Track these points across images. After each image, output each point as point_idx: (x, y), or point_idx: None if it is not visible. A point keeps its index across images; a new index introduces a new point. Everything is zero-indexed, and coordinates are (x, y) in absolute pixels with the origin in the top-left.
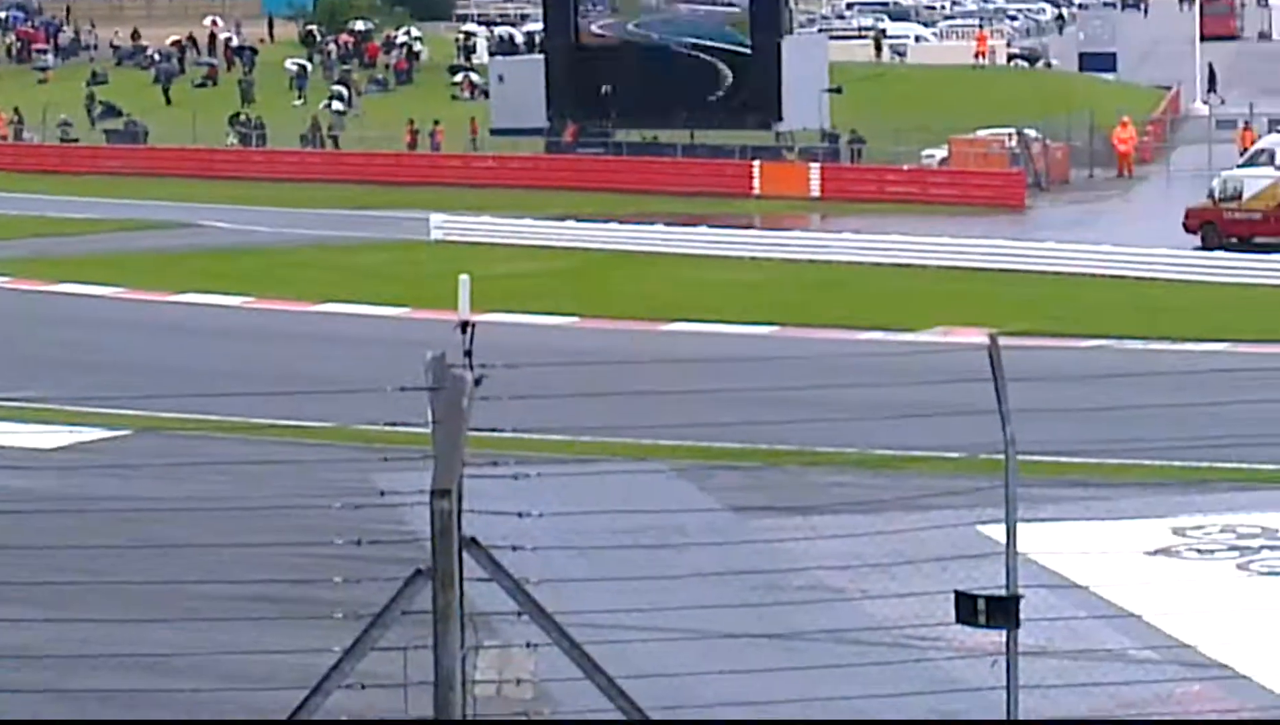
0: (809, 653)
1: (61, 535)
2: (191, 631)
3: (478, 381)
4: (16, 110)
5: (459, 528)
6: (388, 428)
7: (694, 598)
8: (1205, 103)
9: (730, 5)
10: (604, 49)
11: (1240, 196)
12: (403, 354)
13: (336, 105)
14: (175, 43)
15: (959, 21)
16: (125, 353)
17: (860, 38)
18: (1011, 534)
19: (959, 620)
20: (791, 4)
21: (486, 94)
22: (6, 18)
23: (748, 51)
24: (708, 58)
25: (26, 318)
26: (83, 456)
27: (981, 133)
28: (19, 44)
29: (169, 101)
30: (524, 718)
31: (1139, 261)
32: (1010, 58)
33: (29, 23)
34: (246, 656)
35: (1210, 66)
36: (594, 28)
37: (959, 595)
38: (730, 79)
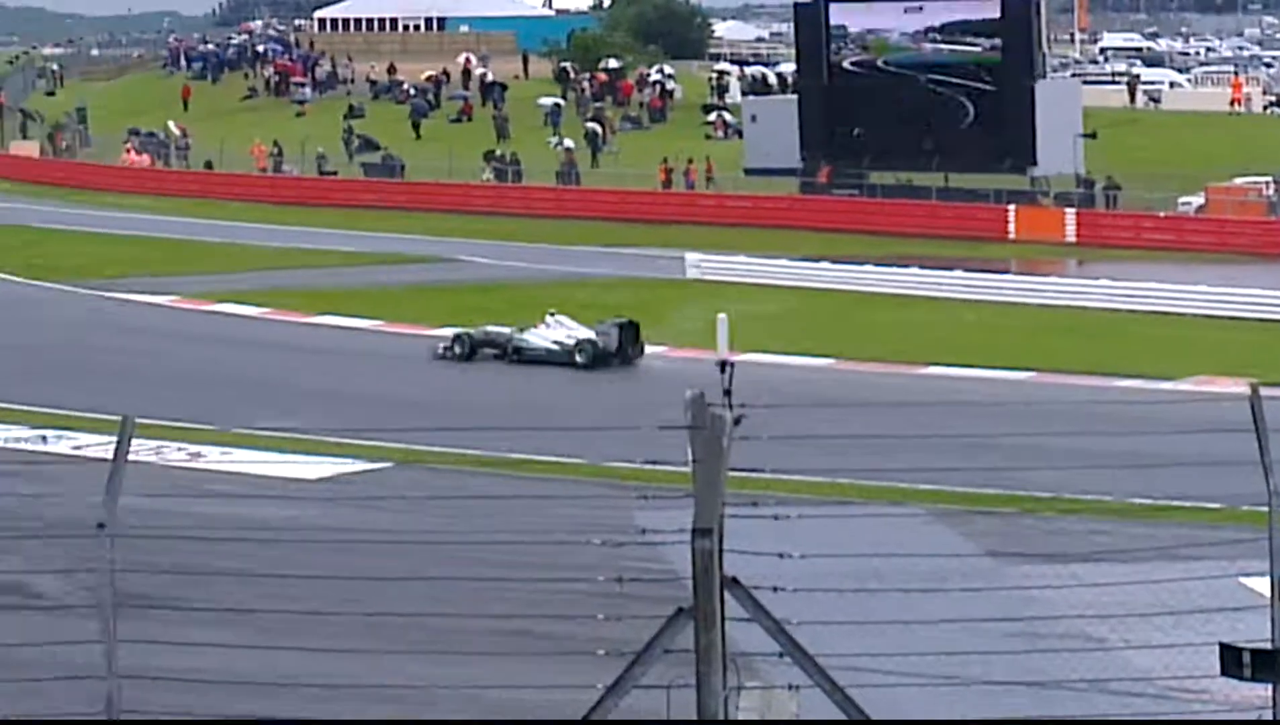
0: (1069, 702)
1: (323, 566)
2: (453, 665)
3: (737, 421)
4: (276, 143)
5: (720, 567)
6: (646, 466)
7: (951, 643)
8: None
9: (982, 47)
10: (856, 90)
11: None
12: (659, 392)
13: (568, 141)
14: (430, 78)
15: (1214, 68)
16: (384, 386)
17: (1114, 83)
18: (1276, 586)
19: (1223, 673)
20: (1045, 48)
21: (740, 133)
22: (266, 51)
23: (1000, 94)
24: (960, 99)
25: (286, 349)
26: (344, 488)
27: (1238, 180)
28: (278, 77)
29: (418, 136)
30: None
31: None
32: (1267, 105)
33: (288, 56)
34: (509, 691)
35: None
36: (846, 64)
37: (1223, 647)
38: (983, 122)
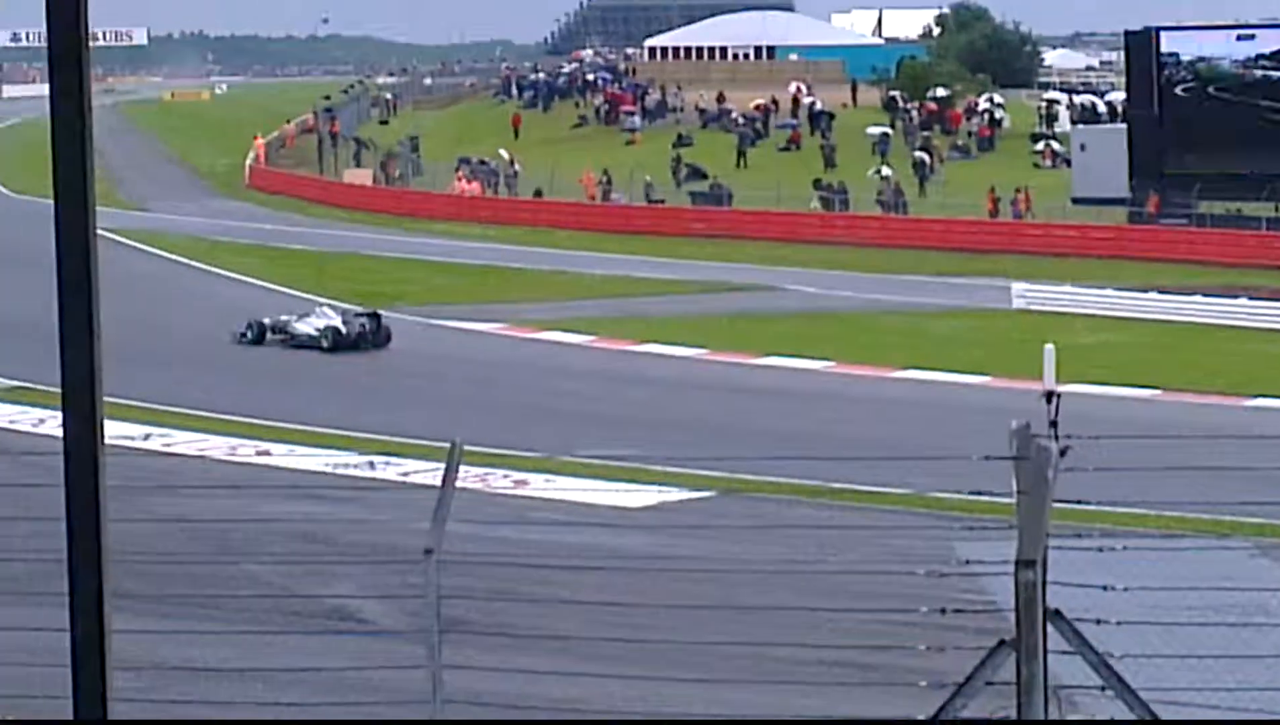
0: None
1: (647, 594)
2: (773, 694)
3: (1063, 452)
4: (605, 171)
5: (1043, 599)
6: (968, 496)
7: (1277, 679)
8: None
9: None
10: (1187, 118)
11: None
12: (982, 422)
13: (885, 171)
14: (759, 106)
15: None
16: (708, 414)
17: None
18: None
19: None
20: None
21: (1068, 162)
22: (596, 80)
23: None
24: None
25: (611, 377)
26: (668, 516)
27: None
28: (608, 106)
29: (742, 165)
30: None
31: None
32: None
33: (617, 85)
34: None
35: None
36: (1177, 92)
37: None
38: None
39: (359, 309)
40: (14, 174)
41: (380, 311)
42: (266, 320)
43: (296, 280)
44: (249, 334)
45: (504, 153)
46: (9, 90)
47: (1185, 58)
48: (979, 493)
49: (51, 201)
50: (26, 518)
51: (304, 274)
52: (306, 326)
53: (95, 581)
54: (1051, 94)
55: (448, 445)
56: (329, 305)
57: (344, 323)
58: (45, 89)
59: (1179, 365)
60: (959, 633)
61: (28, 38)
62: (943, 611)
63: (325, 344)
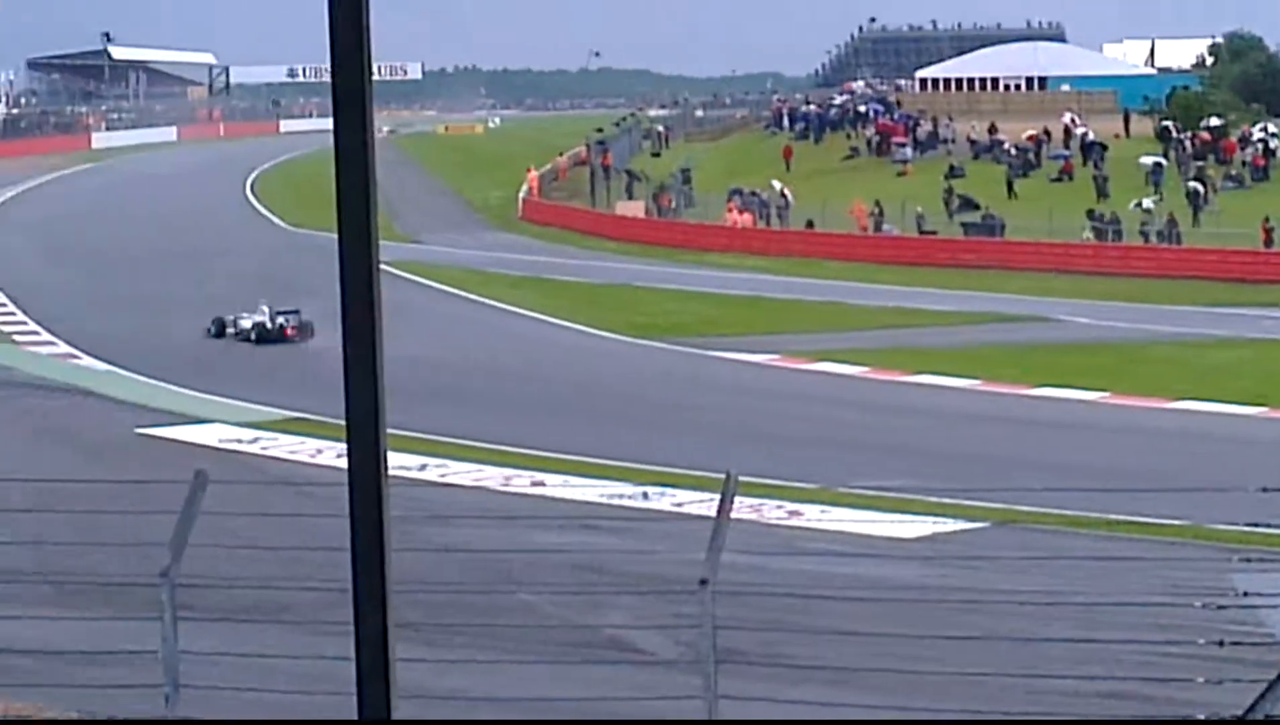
0: None
1: (922, 624)
2: None
3: None
4: (877, 202)
5: None
6: (1246, 528)
7: None
8: None
9: None
10: None
11: None
12: (1260, 454)
13: (1146, 203)
14: (1031, 137)
15: None
16: (982, 445)
17: None
18: None
19: None
20: None
21: None
22: (868, 111)
23: None
24: None
25: (884, 408)
26: (941, 547)
27: None
28: (879, 137)
29: (1011, 195)
30: None
31: None
32: None
33: (889, 116)
34: None
35: None
36: None
37: None
38: None
39: (287, 308)
40: (290, 208)
41: (300, 310)
42: (226, 317)
43: (569, 312)
44: (212, 329)
45: (776, 184)
46: (286, 125)
47: None
48: (1257, 524)
49: (325, 235)
50: (309, 548)
51: (577, 306)
52: (246, 321)
53: (380, 613)
54: None
55: (722, 476)
56: (265, 305)
57: (269, 319)
58: (321, 123)
59: None
60: (1237, 665)
61: (304, 73)
62: (1220, 644)
63: (253, 337)
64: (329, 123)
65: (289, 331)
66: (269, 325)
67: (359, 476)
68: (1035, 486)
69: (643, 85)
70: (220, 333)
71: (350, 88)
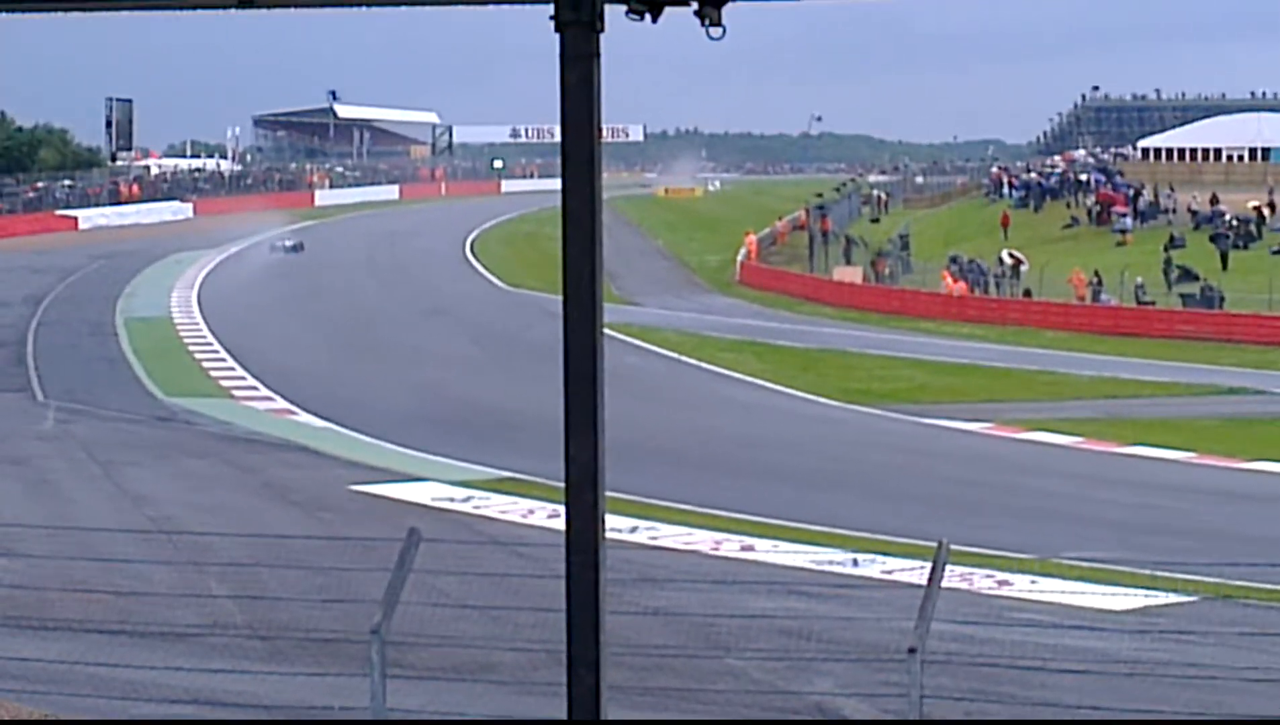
0: None
1: (1130, 698)
2: None
3: None
4: (1096, 272)
5: None
6: None
7: None
8: None
9: None
10: None
11: None
12: None
13: None
14: (1255, 208)
15: None
16: (1194, 518)
17: None
18: None
19: None
20: None
21: None
22: (1088, 180)
23: None
24: None
25: (1098, 479)
26: (1153, 620)
27: None
28: (1099, 206)
29: (1225, 267)
30: None
31: None
32: None
33: (1110, 185)
34: None
35: None
36: None
37: None
38: None
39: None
40: (510, 268)
41: None
42: None
43: (784, 376)
44: None
45: (1009, 255)
46: (507, 185)
47: None
48: None
49: (542, 295)
50: (518, 607)
51: (792, 370)
52: None
53: (593, 674)
54: None
55: (932, 544)
56: None
57: None
58: (542, 184)
59: None
60: None
61: (526, 133)
62: None
63: None
64: (550, 184)
65: None
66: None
67: (577, 538)
68: (1249, 560)
69: (863, 150)
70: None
71: (579, 153)
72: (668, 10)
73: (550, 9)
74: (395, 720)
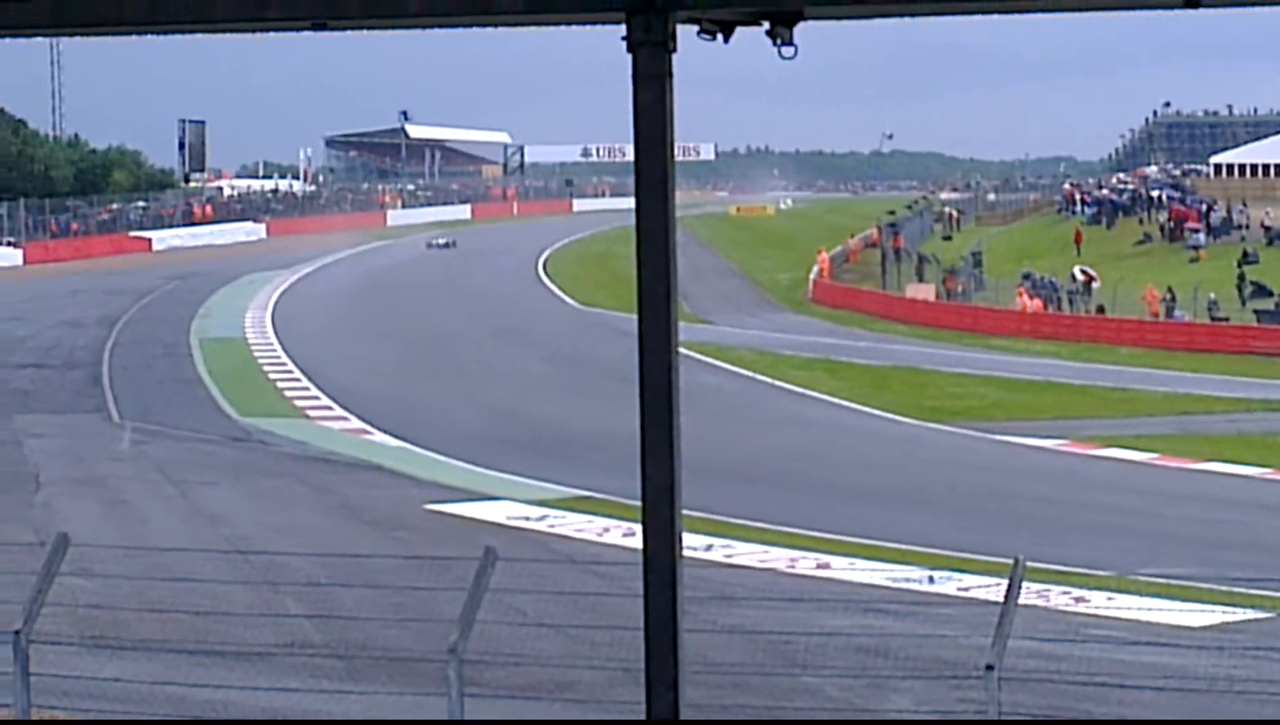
0: None
1: (1208, 714)
2: None
3: None
4: (1169, 288)
5: None
6: None
7: None
8: None
9: None
10: None
11: None
12: None
13: None
14: None
15: None
16: (1269, 534)
17: None
18: None
19: None
20: None
21: None
22: (1160, 196)
23: None
24: None
25: (1173, 495)
26: (1231, 637)
27: None
28: (1172, 223)
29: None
30: None
31: None
32: None
33: (1182, 201)
34: None
35: None
36: None
37: None
38: None
39: None
40: (582, 287)
41: None
42: None
43: (858, 394)
44: None
45: (1081, 272)
46: (578, 204)
47: None
48: None
49: (614, 314)
50: (594, 626)
51: (865, 388)
52: None
53: (672, 693)
54: None
55: (1008, 561)
56: None
57: None
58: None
59: None
60: None
61: (597, 152)
62: None
63: None
64: (621, 202)
65: None
66: None
67: (654, 555)
68: None
69: (934, 168)
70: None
71: (653, 172)
72: (739, 30)
73: (623, 29)
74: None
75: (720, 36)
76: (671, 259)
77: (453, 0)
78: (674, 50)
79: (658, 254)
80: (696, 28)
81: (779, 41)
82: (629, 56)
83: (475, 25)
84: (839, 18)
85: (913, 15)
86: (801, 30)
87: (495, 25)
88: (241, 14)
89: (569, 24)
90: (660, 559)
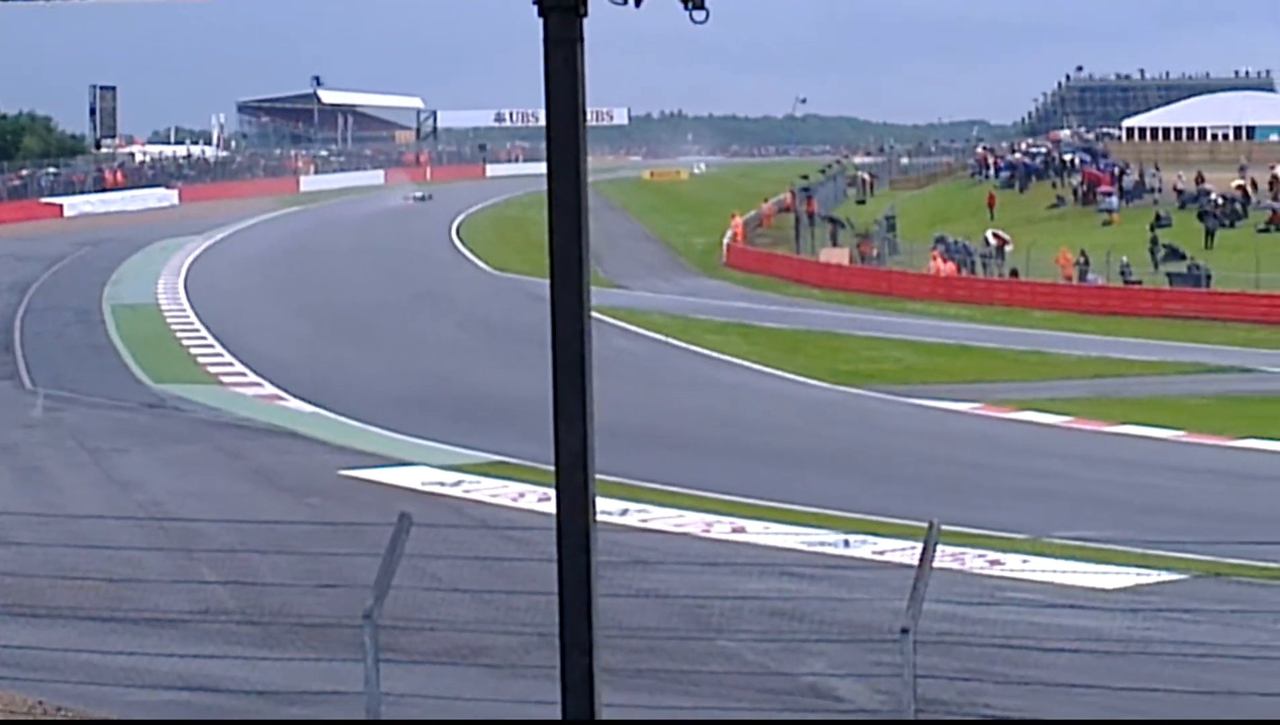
0: None
1: (1123, 677)
2: None
3: None
4: (1082, 252)
5: None
6: None
7: None
8: None
9: None
10: None
11: None
12: None
13: None
14: (1239, 187)
15: None
16: (1184, 496)
17: None
18: None
19: None
20: None
21: None
22: (1073, 160)
23: None
24: None
25: (1088, 458)
26: (1144, 598)
27: None
28: (1085, 186)
29: (1209, 245)
30: None
31: None
32: None
33: (1095, 165)
34: None
35: None
36: None
37: None
38: None
39: None
40: (496, 251)
41: None
42: None
43: (772, 358)
44: None
45: (994, 235)
46: (492, 169)
47: None
48: None
49: (528, 279)
50: (510, 591)
51: (780, 352)
52: None
53: (586, 657)
54: None
55: (923, 524)
56: None
57: None
58: (528, 167)
59: None
60: None
61: (511, 117)
62: None
63: None
64: (535, 167)
65: None
66: None
67: (567, 520)
68: (1239, 538)
69: (848, 132)
70: None
71: (564, 138)
72: None
73: None
74: (395, 721)
75: (632, 1)
76: (584, 225)
77: None
78: (585, 14)
79: (570, 220)
80: None
81: (690, 5)
82: (540, 21)
83: None
84: None
85: None
86: None
87: None
88: None
89: None
90: (574, 524)
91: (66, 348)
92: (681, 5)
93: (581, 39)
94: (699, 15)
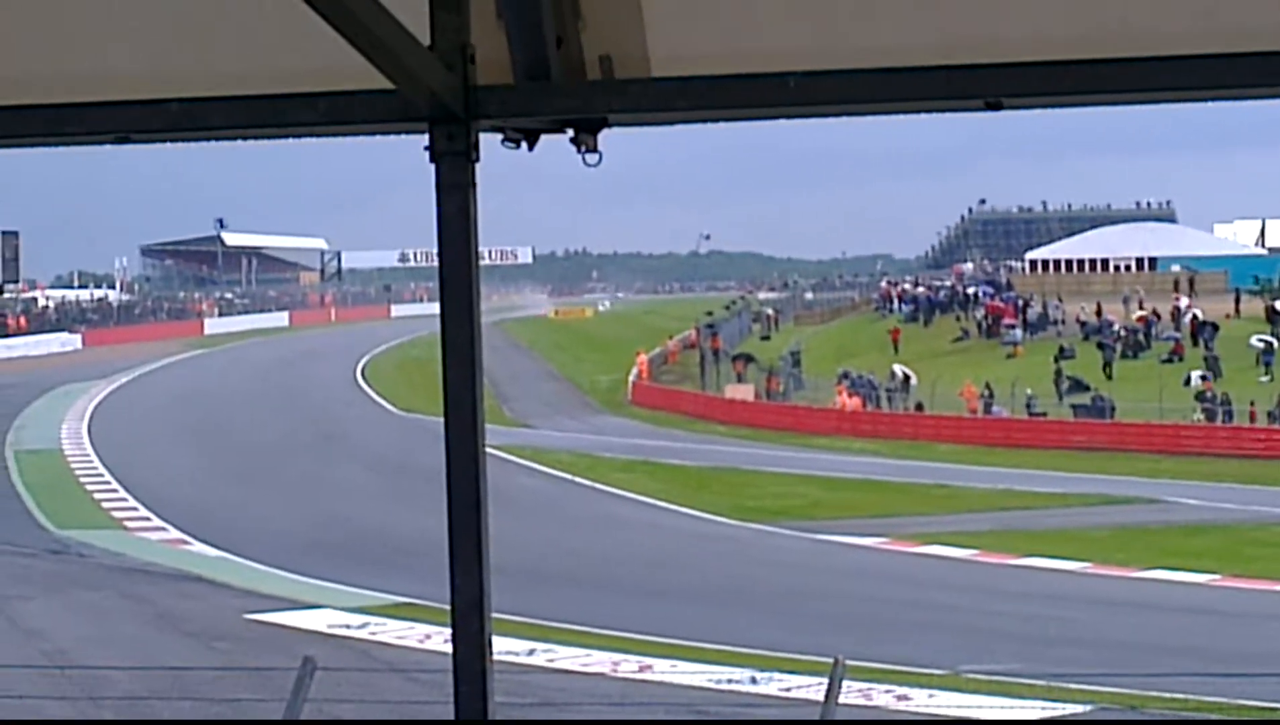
0: None
1: None
2: None
3: None
4: (987, 385)
5: None
6: None
7: None
8: None
9: None
10: None
11: None
12: None
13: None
14: (1141, 318)
15: None
16: (1090, 628)
17: None
18: None
19: None
20: None
21: None
22: (977, 293)
23: None
24: None
25: (993, 591)
26: None
27: None
28: (989, 319)
29: (1109, 376)
30: None
31: None
32: None
33: (999, 298)
34: None
35: None
36: None
37: None
38: None
39: None
40: (400, 392)
41: None
42: None
43: (678, 495)
44: None
45: (897, 368)
46: (397, 310)
47: None
48: None
49: (432, 418)
50: None
51: (685, 489)
52: None
53: None
54: None
55: (830, 661)
56: None
57: None
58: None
59: None
60: None
61: (415, 257)
62: None
63: None
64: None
65: None
66: None
67: (463, 668)
68: (1145, 670)
69: (752, 268)
70: None
71: (458, 282)
72: (544, 137)
73: (425, 139)
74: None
75: (525, 145)
76: (478, 370)
77: (252, 113)
78: (477, 160)
79: (464, 365)
80: (501, 136)
81: (583, 149)
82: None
83: (277, 137)
84: (644, 124)
85: (713, 121)
86: (614, 134)
87: (297, 136)
88: (44, 129)
89: (371, 134)
90: (470, 670)
91: None
92: (574, 148)
93: (474, 184)
94: (591, 158)
